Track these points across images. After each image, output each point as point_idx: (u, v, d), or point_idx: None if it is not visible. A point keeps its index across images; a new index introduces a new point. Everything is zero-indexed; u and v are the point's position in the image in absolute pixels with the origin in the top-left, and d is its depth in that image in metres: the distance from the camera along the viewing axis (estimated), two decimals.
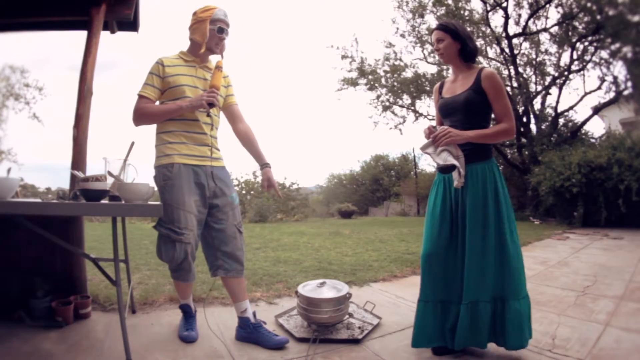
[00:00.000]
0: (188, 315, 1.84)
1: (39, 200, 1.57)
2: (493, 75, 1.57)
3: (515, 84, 10.20)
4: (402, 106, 11.87)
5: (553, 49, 10.03)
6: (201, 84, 1.75)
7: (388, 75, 11.37)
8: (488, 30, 10.35)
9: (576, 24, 9.10)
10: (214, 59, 1.83)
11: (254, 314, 1.78)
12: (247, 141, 1.90)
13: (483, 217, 1.54)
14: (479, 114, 1.60)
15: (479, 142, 1.56)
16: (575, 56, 9.55)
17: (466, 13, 10.18)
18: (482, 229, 1.53)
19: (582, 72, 9.71)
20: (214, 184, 1.73)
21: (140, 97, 1.66)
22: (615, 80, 8.94)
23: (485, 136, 1.55)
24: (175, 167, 1.65)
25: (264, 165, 1.88)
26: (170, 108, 1.64)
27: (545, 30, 9.83)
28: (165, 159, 1.66)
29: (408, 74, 11.21)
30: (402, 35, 11.27)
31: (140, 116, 1.65)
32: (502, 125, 1.55)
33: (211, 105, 1.62)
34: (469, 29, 10.33)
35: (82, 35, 2.27)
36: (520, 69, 10.44)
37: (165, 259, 1.69)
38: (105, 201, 1.56)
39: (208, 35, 1.70)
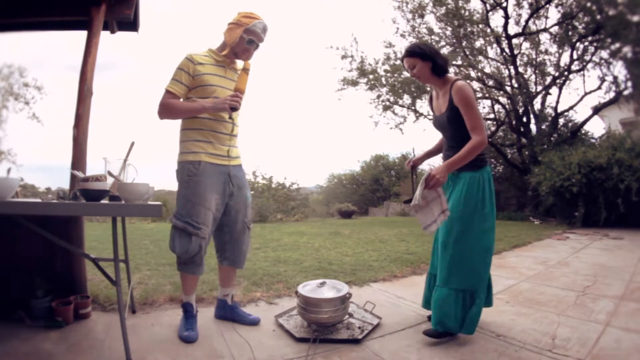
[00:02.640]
0: (189, 315, 1.84)
1: (39, 200, 1.57)
2: (460, 89, 1.65)
3: (515, 84, 10.20)
4: (402, 106, 11.87)
5: (553, 49, 10.04)
6: (229, 85, 1.79)
7: (388, 75, 11.36)
8: (488, 30, 10.35)
9: (576, 24, 9.10)
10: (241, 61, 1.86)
11: (232, 297, 2.02)
12: None
13: (458, 218, 1.67)
14: (466, 127, 1.68)
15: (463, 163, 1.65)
16: (575, 56, 9.55)
17: (466, 13, 10.17)
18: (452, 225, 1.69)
19: (582, 72, 9.72)
20: (232, 182, 1.83)
21: (167, 92, 1.69)
22: (615, 80, 8.94)
23: (462, 159, 1.62)
24: (202, 165, 1.72)
25: None
26: (194, 107, 1.68)
27: (545, 30, 9.83)
28: (191, 156, 1.73)
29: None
30: (402, 35, 11.27)
31: (165, 111, 1.69)
32: (471, 141, 1.62)
33: (234, 109, 1.65)
34: (469, 29, 10.36)
35: (82, 35, 2.27)
36: (520, 69, 10.43)
37: (178, 251, 1.71)
38: (105, 201, 1.56)
39: (237, 41, 1.72)
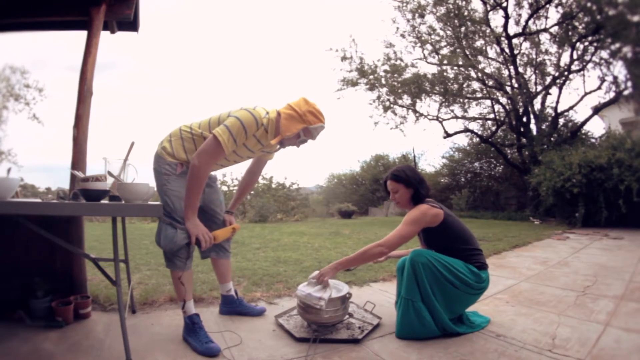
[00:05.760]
0: (198, 327, 1.69)
1: (39, 200, 1.57)
2: (415, 208, 1.82)
3: (515, 84, 10.19)
4: (402, 106, 11.87)
5: (553, 49, 10.03)
6: (242, 153, 1.76)
7: (388, 75, 11.35)
8: (488, 30, 10.34)
9: (576, 24, 9.09)
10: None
11: (236, 292, 2.12)
12: (245, 185, 2.13)
13: None
14: (443, 241, 1.81)
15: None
16: (575, 56, 9.54)
17: (466, 13, 10.17)
18: None
19: (582, 72, 9.71)
20: (205, 190, 1.86)
21: (220, 145, 1.56)
22: (615, 80, 8.94)
23: (353, 260, 1.84)
24: (179, 166, 1.74)
25: (229, 212, 2.07)
26: (189, 206, 1.60)
27: (545, 30, 9.83)
28: (171, 158, 1.74)
29: (408, 74, 11.21)
30: (402, 35, 11.27)
31: (199, 169, 1.56)
32: (371, 245, 1.81)
33: (197, 243, 1.62)
34: (470, 28, 10.35)
35: (82, 35, 2.27)
36: (520, 69, 10.43)
37: (163, 243, 1.66)
38: (105, 201, 1.56)
39: (291, 135, 1.64)
